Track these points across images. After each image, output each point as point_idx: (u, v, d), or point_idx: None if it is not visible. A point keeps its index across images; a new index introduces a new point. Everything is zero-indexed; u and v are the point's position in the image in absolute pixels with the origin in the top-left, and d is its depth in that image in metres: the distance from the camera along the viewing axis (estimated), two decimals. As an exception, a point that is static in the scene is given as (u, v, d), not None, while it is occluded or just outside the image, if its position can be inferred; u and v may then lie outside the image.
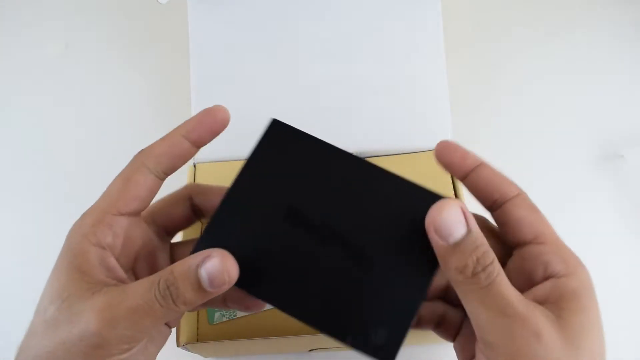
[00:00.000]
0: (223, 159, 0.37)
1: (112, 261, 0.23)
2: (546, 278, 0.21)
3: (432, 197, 0.23)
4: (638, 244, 0.38)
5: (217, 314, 0.34)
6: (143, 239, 0.25)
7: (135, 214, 0.24)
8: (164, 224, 0.26)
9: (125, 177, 0.23)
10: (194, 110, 0.37)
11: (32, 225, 0.43)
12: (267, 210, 0.23)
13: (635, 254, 0.37)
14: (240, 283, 0.22)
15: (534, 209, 0.23)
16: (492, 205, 0.24)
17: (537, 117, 0.44)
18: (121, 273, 0.23)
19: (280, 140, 0.25)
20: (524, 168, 0.41)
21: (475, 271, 0.20)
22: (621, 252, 0.38)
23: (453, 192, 0.35)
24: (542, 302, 0.20)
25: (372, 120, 0.37)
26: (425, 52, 0.38)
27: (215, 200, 0.24)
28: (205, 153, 0.36)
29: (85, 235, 0.22)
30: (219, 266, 0.21)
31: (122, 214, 0.23)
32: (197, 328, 0.33)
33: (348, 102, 0.37)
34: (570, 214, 0.39)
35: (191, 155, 0.24)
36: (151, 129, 0.46)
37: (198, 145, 0.24)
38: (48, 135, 0.48)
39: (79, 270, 0.22)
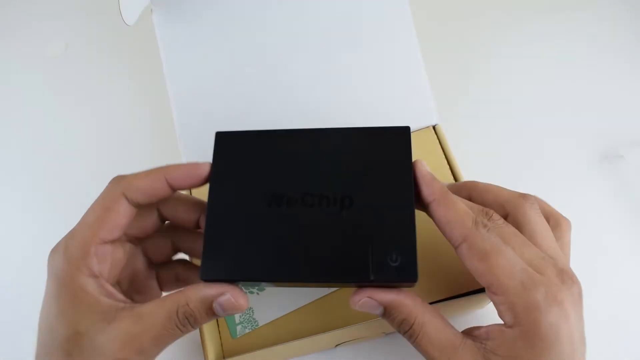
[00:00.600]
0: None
1: (109, 287, 0.24)
2: (502, 322, 0.23)
3: (382, 131, 0.26)
4: (638, 244, 0.38)
5: (238, 327, 0.34)
6: (124, 258, 0.26)
7: (116, 239, 0.25)
8: (135, 235, 0.28)
9: (106, 206, 0.24)
10: (177, 127, 0.37)
11: (32, 225, 0.43)
12: (249, 208, 0.25)
13: (635, 254, 0.38)
14: (251, 277, 0.24)
15: (481, 256, 0.23)
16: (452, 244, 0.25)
17: (537, 117, 0.44)
18: (120, 295, 0.24)
19: (232, 147, 0.26)
20: (523, 168, 0.42)
21: (401, 333, 0.25)
22: (621, 252, 0.38)
23: (450, 171, 0.35)
24: (491, 341, 0.23)
25: (356, 110, 0.37)
26: (396, 34, 0.38)
27: (179, 209, 0.27)
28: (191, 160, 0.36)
29: (78, 269, 0.23)
30: (232, 301, 0.23)
31: (105, 243, 0.24)
32: (221, 344, 0.33)
33: (330, 95, 0.37)
34: (570, 214, 0.39)
35: (167, 195, 0.26)
36: (152, 128, 0.46)
37: (175, 190, 0.26)
38: (48, 135, 0.47)
39: (84, 304, 0.23)
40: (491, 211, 0.25)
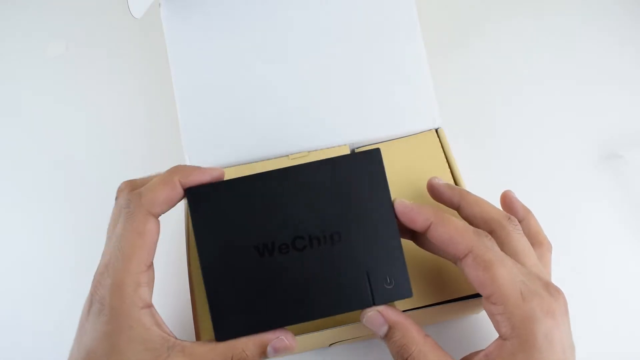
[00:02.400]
0: (219, 167, 0.36)
1: (159, 316, 0.24)
2: (500, 335, 0.24)
3: (354, 158, 0.27)
4: (638, 244, 0.38)
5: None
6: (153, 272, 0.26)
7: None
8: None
9: (138, 231, 0.24)
10: (181, 123, 0.37)
11: (33, 225, 0.43)
12: (243, 262, 0.26)
13: (635, 254, 0.38)
14: (264, 328, 0.25)
15: (484, 265, 0.24)
16: (453, 260, 0.26)
17: (536, 117, 0.44)
18: (166, 326, 0.25)
19: (207, 203, 0.26)
20: (524, 169, 0.42)
21: (398, 358, 0.25)
22: (621, 252, 0.38)
23: (450, 173, 0.35)
24: (487, 354, 0.24)
25: (358, 111, 0.37)
26: (403, 35, 0.38)
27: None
28: (199, 163, 0.36)
29: (133, 303, 0.23)
30: (285, 342, 0.25)
31: (148, 267, 0.24)
32: (216, 338, 0.33)
33: (334, 95, 0.37)
34: (570, 214, 0.39)
35: (181, 198, 0.26)
36: (153, 129, 0.46)
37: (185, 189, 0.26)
38: (49, 135, 0.47)
39: (139, 341, 0.23)
40: (482, 231, 0.26)
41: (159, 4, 0.37)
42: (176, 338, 0.24)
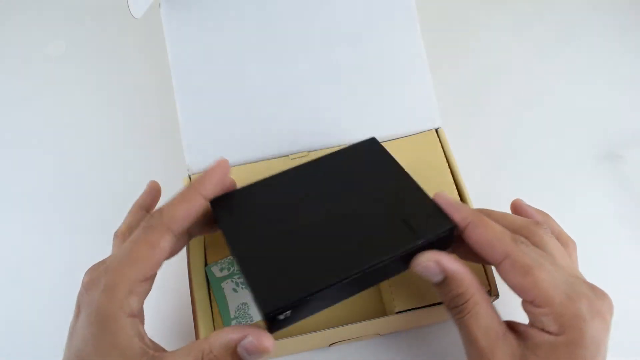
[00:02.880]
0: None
1: (142, 328, 0.24)
2: (542, 330, 0.24)
3: (367, 144, 0.30)
4: (638, 244, 0.38)
5: (233, 322, 0.34)
6: (151, 286, 0.26)
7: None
8: (167, 258, 0.27)
9: (151, 243, 0.24)
10: (181, 122, 0.37)
11: (33, 226, 0.43)
12: (274, 241, 0.25)
13: (636, 253, 0.38)
14: (313, 289, 0.23)
15: (524, 270, 0.24)
16: (490, 264, 0.26)
17: (536, 117, 0.44)
18: (147, 338, 0.24)
19: (233, 207, 0.27)
20: (524, 169, 0.42)
21: (450, 306, 0.25)
22: (621, 252, 0.38)
23: (450, 173, 0.35)
24: (530, 341, 0.24)
25: (359, 111, 0.37)
26: (403, 36, 0.38)
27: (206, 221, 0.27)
28: (199, 163, 0.36)
29: (120, 308, 0.23)
30: (255, 343, 0.23)
31: (147, 279, 0.24)
32: (216, 338, 0.33)
33: (333, 95, 0.37)
34: (570, 213, 0.39)
35: (204, 208, 0.26)
36: (153, 129, 0.46)
37: (209, 198, 0.26)
38: (49, 135, 0.47)
39: (120, 348, 0.22)
40: (518, 235, 0.25)
41: (159, 4, 0.37)
42: (155, 351, 0.23)
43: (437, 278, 0.25)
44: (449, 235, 0.25)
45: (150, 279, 0.25)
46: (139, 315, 0.24)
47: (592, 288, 0.24)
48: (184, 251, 0.34)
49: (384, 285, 0.33)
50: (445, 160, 0.36)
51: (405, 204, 0.26)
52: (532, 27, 0.49)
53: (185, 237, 0.28)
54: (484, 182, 0.39)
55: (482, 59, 0.48)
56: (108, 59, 0.51)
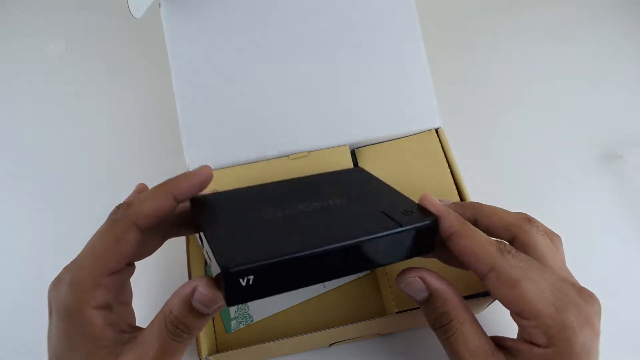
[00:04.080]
0: (219, 167, 0.36)
1: (113, 316, 0.24)
2: (531, 343, 0.23)
3: (354, 171, 0.31)
4: (638, 244, 0.38)
5: (233, 322, 0.34)
6: (123, 279, 0.26)
7: (123, 268, 0.25)
8: (139, 258, 0.27)
9: (116, 236, 0.24)
10: (181, 122, 0.37)
11: (32, 226, 0.43)
12: (251, 219, 0.25)
13: (636, 253, 0.38)
14: (281, 252, 0.21)
15: (511, 283, 0.23)
16: (477, 274, 0.25)
17: (536, 117, 0.44)
18: (123, 324, 0.24)
19: (212, 204, 0.26)
20: (524, 170, 0.42)
21: (435, 326, 0.25)
22: (621, 251, 0.38)
23: (450, 173, 0.35)
24: (519, 357, 0.23)
25: (358, 110, 0.37)
26: (403, 36, 0.38)
27: (182, 221, 0.27)
28: (199, 163, 0.36)
29: (86, 302, 0.23)
30: (207, 293, 0.22)
31: (114, 273, 0.24)
32: (216, 339, 0.33)
33: (334, 96, 0.37)
34: (570, 213, 0.39)
35: (173, 209, 0.25)
36: (153, 129, 0.46)
37: (180, 202, 0.25)
38: (49, 135, 0.47)
39: (92, 338, 0.22)
40: (504, 242, 0.25)
41: (159, 4, 0.37)
42: (133, 332, 0.23)
43: (422, 295, 0.24)
44: (431, 230, 0.24)
45: (118, 273, 0.24)
46: (117, 307, 0.25)
47: (580, 291, 0.24)
48: (184, 251, 0.34)
49: (384, 285, 0.33)
50: (445, 160, 0.36)
51: (387, 202, 0.26)
52: (532, 27, 0.49)
53: (157, 236, 0.27)
54: (484, 182, 0.39)
55: (482, 59, 0.48)
56: (108, 59, 0.51)
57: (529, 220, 0.26)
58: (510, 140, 0.43)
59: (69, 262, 0.25)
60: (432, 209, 0.25)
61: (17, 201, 0.45)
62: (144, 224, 0.24)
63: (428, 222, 0.24)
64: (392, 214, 0.24)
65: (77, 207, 0.44)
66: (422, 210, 0.25)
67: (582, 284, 0.24)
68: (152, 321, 0.23)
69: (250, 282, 0.21)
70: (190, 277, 0.32)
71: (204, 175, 0.25)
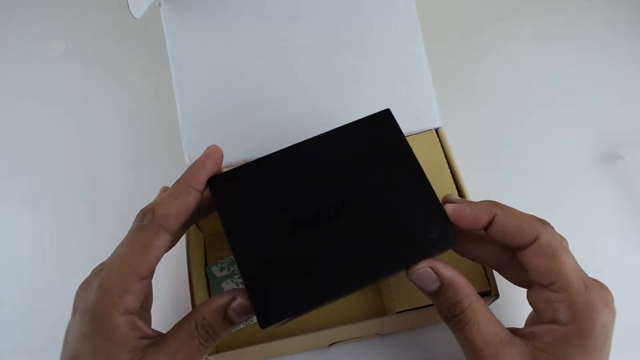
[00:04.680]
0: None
1: (139, 322, 0.24)
2: (552, 321, 0.23)
3: (366, 122, 0.27)
4: (637, 244, 0.38)
5: (233, 322, 0.34)
6: (150, 283, 0.26)
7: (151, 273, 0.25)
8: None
9: (144, 243, 0.24)
10: (181, 122, 0.37)
11: (33, 225, 0.44)
12: (276, 242, 0.25)
13: (636, 254, 0.38)
14: (310, 305, 0.23)
15: (551, 253, 0.23)
16: (516, 249, 0.25)
17: (536, 117, 0.44)
18: (148, 329, 0.24)
19: (229, 187, 0.26)
20: (524, 170, 0.42)
21: (447, 317, 0.24)
22: (621, 252, 0.38)
23: (450, 173, 0.35)
24: (538, 340, 0.23)
25: (358, 110, 0.37)
26: (403, 36, 0.38)
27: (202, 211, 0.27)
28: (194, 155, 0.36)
29: (114, 307, 0.23)
30: (243, 304, 0.24)
31: (143, 279, 0.24)
32: (216, 338, 0.33)
33: (333, 95, 0.37)
34: (570, 213, 0.39)
35: (198, 201, 0.25)
36: (153, 129, 0.46)
37: (202, 191, 0.25)
38: (48, 135, 0.47)
39: (118, 344, 0.23)
40: (544, 220, 0.25)
41: (159, 4, 0.37)
42: (156, 337, 0.24)
43: (433, 286, 0.24)
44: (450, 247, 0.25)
45: (147, 277, 0.25)
46: (139, 312, 0.25)
47: (597, 281, 0.24)
48: (183, 251, 0.34)
49: (384, 285, 0.33)
50: (445, 160, 0.36)
51: (414, 210, 0.25)
52: (532, 27, 0.49)
53: (182, 230, 0.27)
54: (484, 182, 0.39)
55: (482, 59, 0.48)
56: (108, 59, 0.51)
57: (541, 220, 0.26)
58: (510, 140, 0.43)
59: (97, 264, 0.25)
60: (462, 220, 0.25)
61: (17, 201, 0.45)
62: (172, 226, 0.24)
63: (450, 247, 0.25)
64: (418, 235, 0.24)
65: (75, 206, 0.44)
66: (446, 223, 0.25)
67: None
68: (177, 326, 0.24)
69: (285, 323, 0.24)
70: (190, 278, 0.32)
71: (215, 156, 0.25)
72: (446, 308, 0.24)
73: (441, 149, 0.36)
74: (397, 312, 0.30)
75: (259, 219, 0.25)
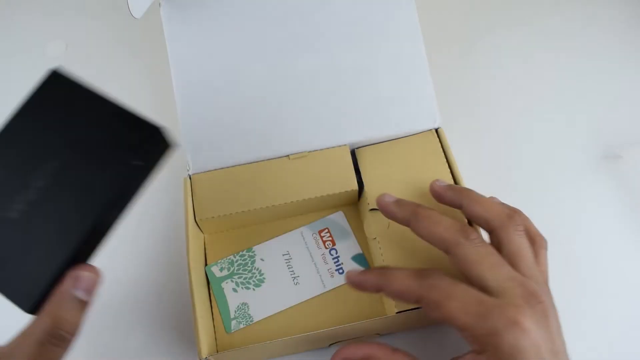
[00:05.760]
0: (219, 167, 0.36)
1: None
2: (472, 351, 0.25)
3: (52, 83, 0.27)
4: (637, 244, 0.38)
5: (233, 322, 0.34)
6: None
7: None
8: None
9: None
10: (181, 123, 0.37)
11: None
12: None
13: (635, 254, 0.38)
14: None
15: (436, 306, 0.26)
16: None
17: (536, 117, 0.44)
18: None
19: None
20: (524, 169, 0.42)
21: None
22: (621, 252, 0.38)
23: (450, 173, 0.35)
24: None
25: (358, 110, 0.37)
26: (403, 36, 0.38)
27: None
28: (199, 163, 0.36)
29: None
30: (95, 277, 0.22)
31: None
32: (216, 339, 0.33)
33: (334, 95, 0.37)
34: (569, 214, 0.39)
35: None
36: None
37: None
38: None
39: None
40: (470, 229, 0.27)
41: (159, 4, 0.37)
42: None
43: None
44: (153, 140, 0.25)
45: None
46: None
47: (526, 294, 0.24)
48: (183, 251, 0.34)
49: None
50: (445, 160, 0.36)
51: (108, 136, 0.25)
52: (532, 27, 0.49)
53: None
54: (484, 182, 0.39)
55: (482, 59, 0.48)
56: (108, 59, 0.51)
57: (510, 217, 0.27)
58: (510, 140, 0.43)
59: None
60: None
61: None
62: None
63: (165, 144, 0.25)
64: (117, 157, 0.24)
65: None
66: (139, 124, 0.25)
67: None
68: (20, 336, 0.22)
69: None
70: (190, 278, 0.32)
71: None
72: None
73: (441, 149, 0.36)
74: (397, 312, 0.30)
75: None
